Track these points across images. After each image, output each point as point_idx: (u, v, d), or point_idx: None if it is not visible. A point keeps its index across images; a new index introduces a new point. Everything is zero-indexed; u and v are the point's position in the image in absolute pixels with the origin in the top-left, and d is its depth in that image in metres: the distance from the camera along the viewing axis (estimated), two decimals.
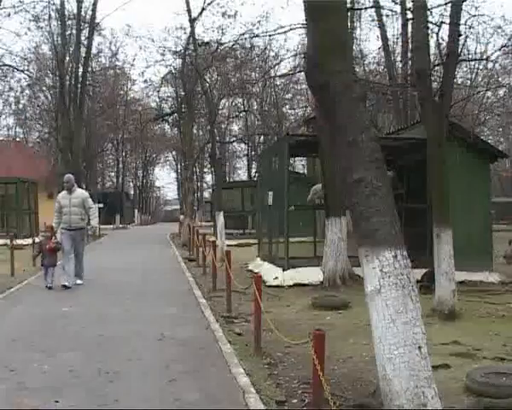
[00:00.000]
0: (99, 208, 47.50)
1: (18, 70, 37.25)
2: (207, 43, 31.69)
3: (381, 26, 28.87)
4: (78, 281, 14.60)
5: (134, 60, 78.59)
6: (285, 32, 24.52)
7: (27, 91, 47.12)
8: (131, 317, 10.60)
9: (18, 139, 59.78)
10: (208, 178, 67.03)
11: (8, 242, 14.54)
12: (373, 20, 29.14)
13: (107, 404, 5.87)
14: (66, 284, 13.79)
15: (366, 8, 25.32)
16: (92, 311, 11.18)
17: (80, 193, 15.14)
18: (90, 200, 15.13)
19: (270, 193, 16.87)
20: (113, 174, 77.02)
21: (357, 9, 22.60)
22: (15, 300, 12.67)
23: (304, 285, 14.02)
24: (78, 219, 14.65)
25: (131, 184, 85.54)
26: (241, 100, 45.54)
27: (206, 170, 64.86)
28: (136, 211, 77.46)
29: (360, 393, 6.22)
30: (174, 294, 13.45)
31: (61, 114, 39.08)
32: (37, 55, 43.52)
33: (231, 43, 30.66)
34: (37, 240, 15.56)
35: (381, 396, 5.00)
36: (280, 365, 7.43)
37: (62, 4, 37.26)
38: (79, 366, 7.23)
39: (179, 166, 57.79)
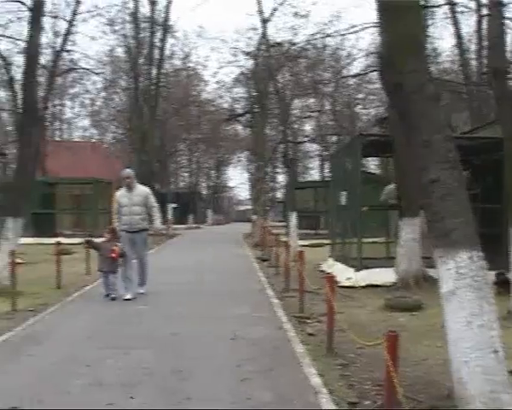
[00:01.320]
0: (172, 208, 48.36)
1: (93, 73, 38.02)
2: (279, 43, 31.78)
3: (455, 24, 28.43)
4: (141, 290, 13.03)
5: (206, 61, 79.28)
6: (357, 31, 24.51)
7: (102, 93, 48.05)
8: (204, 315, 10.70)
9: (93, 140, 60.94)
10: (281, 178, 66.95)
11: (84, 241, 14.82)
12: (447, 18, 28.70)
13: (179, 402, 5.94)
14: (129, 296, 12.32)
15: (440, 6, 24.97)
16: (165, 309, 11.34)
17: (142, 190, 13.31)
18: (152, 197, 13.33)
19: (343, 193, 16.78)
20: (186, 174, 77.84)
21: (431, 7, 22.33)
22: (90, 298, 12.92)
23: (376, 286, 13.87)
24: (140, 220, 12.96)
25: (204, 184, 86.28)
26: (313, 100, 45.36)
27: (278, 170, 64.87)
28: (208, 211, 78.07)
29: (433, 396, 6.11)
30: (247, 293, 13.51)
31: (135, 115, 39.76)
32: (111, 58, 44.31)
33: (303, 43, 30.67)
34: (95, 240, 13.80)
35: (455, 400, 4.93)
36: (352, 366, 7.38)
37: (136, 8, 38.07)
38: (153, 363, 7.34)
39: (252, 167, 57.86)
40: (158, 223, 13.56)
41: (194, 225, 60.73)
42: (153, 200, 13.25)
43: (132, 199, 12.91)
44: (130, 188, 13.02)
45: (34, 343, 8.59)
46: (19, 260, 13.55)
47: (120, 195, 13.14)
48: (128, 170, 13.65)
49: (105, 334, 9.23)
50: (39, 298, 12.88)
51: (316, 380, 6.65)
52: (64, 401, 6.02)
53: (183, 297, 12.97)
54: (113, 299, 12.23)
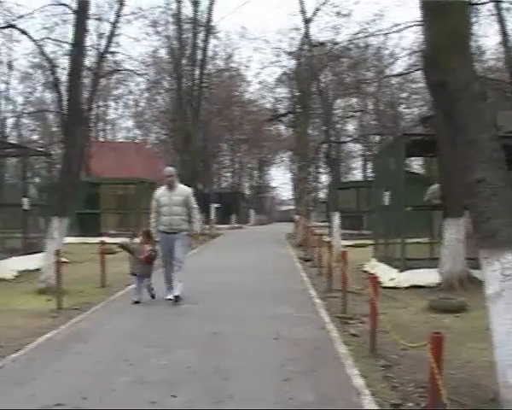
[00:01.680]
0: (215, 208, 48.55)
1: (137, 74, 38.27)
2: (322, 43, 31.70)
3: (501, 21, 28.00)
4: (176, 292, 12.06)
5: (249, 61, 79.42)
6: (400, 30, 24.32)
7: (146, 94, 48.41)
8: (247, 315, 10.72)
9: (137, 141, 61.45)
10: (323, 178, 66.86)
11: (127, 240, 15.01)
12: (491, 15, 28.28)
13: (222, 400, 5.96)
14: (170, 297, 12.08)
15: (484, 3, 24.64)
16: (208, 309, 11.39)
17: (183, 190, 12.59)
18: (193, 198, 12.63)
19: (387, 193, 16.66)
20: (229, 174, 78.15)
21: (476, 4, 22.05)
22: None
23: (420, 287, 13.74)
24: (180, 221, 12.27)
25: (247, 184, 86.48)
26: (356, 100, 45.17)
27: (321, 170, 64.75)
28: (251, 211, 78.22)
29: (478, 399, 6.04)
30: (289, 293, 13.49)
31: (178, 115, 39.96)
32: (155, 59, 44.61)
33: (346, 43, 30.54)
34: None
35: (500, 403, 4.86)
36: (395, 367, 7.32)
37: (179, 9, 38.26)
38: (196, 362, 7.38)
39: (294, 167, 57.80)
40: (197, 226, 12.76)
41: (236, 226, 60.96)
42: (194, 201, 12.56)
43: (173, 199, 12.28)
44: (171, 187, 12.39)
45: (79, 341, 8.70)
46: (64, 260, 13.74)
47: (160, 194, 12.53)
48: (170, 168, 12.92)
49: (148, 333, 9.31)
50: (84, 297, 13.05)
51: (358, 381, 6.62)
52: (108, 398, 6.09)
53: (225, 297, 13.01)
54: (137, 302, 11.88)
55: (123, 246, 12.84)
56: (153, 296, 12.38)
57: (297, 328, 9.51)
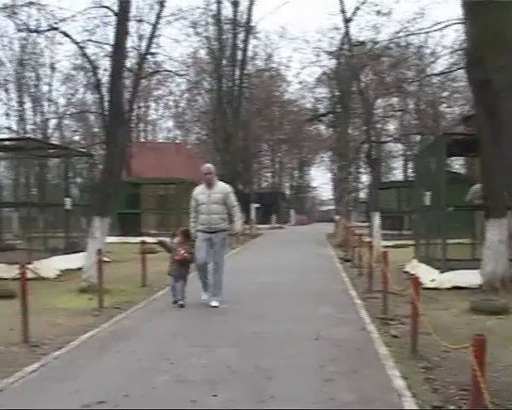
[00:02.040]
0: (256, 208, 48.62)
1: (177, 75, 38.56)
2: (362, 42, 31.54)
3: None
4: (213, 302, 11.66)
5: (289, 61, 79.40)
6: (441, 28, 24.12)
7: (186, 95, 48.71)
8: (287, 315, 10.72)
9: (177, 141, 61.84)
10: (364, 178, 66.55)
11: (167, 239, 15.02)
12: None
13: (263, 400, 5.97)
14: (214, 303, 11.61)
15: None
16: (249, 309, 11.41)
17: (222, 187, 12.09)
18: (233, 196, 12.10)
19: (428, 193, 16.52)
20: (269, 174, 78.25)
21: None
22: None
23: (461, 288, 13.60)
24: (219, 220, 11.81)
25: (287, 184, 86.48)
26: (396, 99, 44.87)
27: (361, 170, 64.47)
28: (291, 211, 78.20)
29: None
30: (329, 294, 13.45)
31: (218, 115, 40.17)
32: (195, 60, 44.89)
33: (386, 42, 30.35)
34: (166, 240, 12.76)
35: None
36: (437, 369, 7.24)
37: (219, 10, 38.51)
38: (236, 362, 7.40)
39: (334, 167, 57.64)
40: (238, 224, 12.30)
41: (276, 225, 61.01)
42: (234, 198, 12.03)
43: (211, 197, 11.80)
44: (209, 185, 11.91)
45: (120, 340, 8.78)
46: (105, 259, 13.89)
47: (199, 192, 12.06)
48: (208, 165, 12.37)
49: (189, 332, 9.36)
50: (125, 296, 13.18)
51: (399, 382, 6.57)
52: (149, 396, 6.14)
53: (266, 297, 13.02)
54: (181, 306, 11.53)
55: (161, 243, 12.73)
56: (178, 302, 11.72)
57: (337, 328, 9.48)
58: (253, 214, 45.64)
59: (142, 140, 59.50)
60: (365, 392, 6.25)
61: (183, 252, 11.76)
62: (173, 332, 9.29)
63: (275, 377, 6.76)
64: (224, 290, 12.12)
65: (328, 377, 6.69)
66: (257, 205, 50.84)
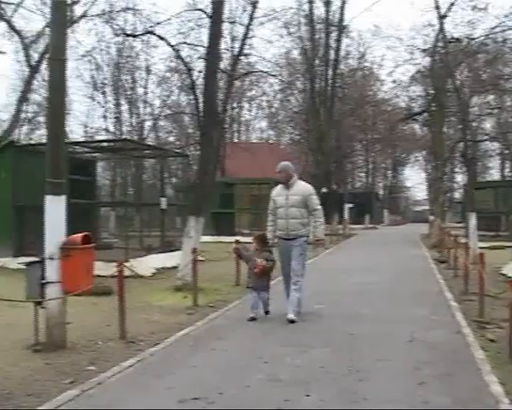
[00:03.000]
0: (349, 208, 48.33)
1: (270, 75, 38.63)
2: (457, 39, 30.89)
3: None
4: (290, 315, 10.06)
5: (382, 60, 78.49)
6: None
7: (279, 95, 48.86)
8: (381, 316, 10.63)
9: (271, 141, 62.11)
10: (459, 178, 65.23)
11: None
12: None
13: (356, 402, 5.93)
14: (292, 317, 10.01)
15: None
16: (342, 309, 11.37)
17: (302, 188, 10.67)
18: (315, 197, 10.65)
19: None
20: (362, 174, 77.67)
21: None
22: None
23: None
24: (298, 225, 10.39)
25: (381, 184, 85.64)
26: (493, 96, 43.73)
27: (456, 170, 63.19)
28: (385, 211, 77.43)
29: None
30: (424, 295, 13.25)
31: (311, 116, 40.12)
32: (288, 61, 44.96)
33: (482, 38, 29.66)
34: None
35: None
36: None
37: (311, 10, 38.46)
38: (330, 362, 7.39)
39: (429, 166, 56.69)
40: (320, 230, 10.56)
41: (370, 226, 60.62)
42: (315, 201, 10.59)
43: (289, 199, 10.47)
44: (287, 185, 10.64)
45: (214, 338, 8.91)
46: (200, 258, 14.08)
47: (276, 193, 10.83)
48: (284, 162, 11.20)
49: (282, 331, 9.38)
50: (219, 294, 13.37)
51: (496, 388, 6.39)
52: (242, 394, 6.21)
53: (359, 297, 12.95)
54: (253, 320, 10.16)
55: (237, 250, 11.42)
56: (267, 312, 10.53)
57: (432, 331, 9.33)
58: (346, 214, 45.39)
59: (236, 141, 60.10)
60: (460, 397, 6.12)
61: (260, 261, 10.36)
62: (266, 331, 9.34)
63: (368, 378, 6.72)
64: (318, 291, 12.13)
65: (423, 380, 6.58)
66: (350, 205, 50.52)
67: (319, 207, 10.55)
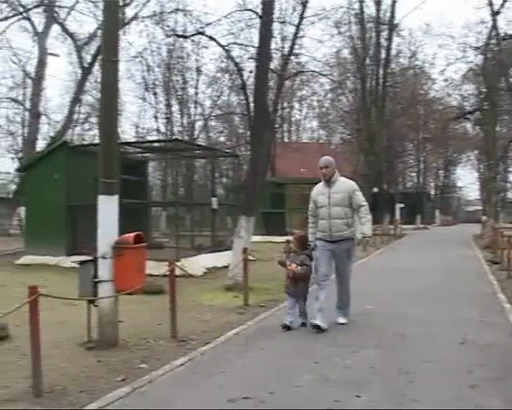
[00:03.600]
0: (400, 208, 48.01)
1: (321, 75, 38.53)
2: (511, 36, 30.47)
3: None
4: (341, 319, 9.89)
5: (434, 58, 77.66)
6: None
7: (330, 95, 48.71)
8: (432, 318, 10.52)
9: (321, 141, 61.95)
10: None
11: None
12: None
13: (406, 403, 5.91)
14: (318, 323, 9.20)
15: None
16: (393, 310, 11.31)
17: (345, 185, 9.77)
18: (360, 194, 9.75)
19: None
20: (413, 174, 76.94)
21: None
22: None
23: None
24: (342, 225, 9.50)
25: (432, 184, 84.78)
26: None
27: (510, 169, 62.24)
28: (436, 211, 76.67)
29: None
30: (476, 296, 13.08)
31: (362, 115, 39.95)
32: (338, 60, 44.80)
33: None
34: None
35: None
36: None
37: (361, 8, 38.35)
38: (380, 363, 7.37)
39: (481, 166, 55.95)
40: (367, 228, 9.67)
41: (421, 226, 60.16)
42: (360, 197, 9.70)
43: (332, 197, 9.59)
44: (329, 182, 9.73)
45: (265, 337, 8.95)
46: (250, 258, 14.14)
47: (317, 192, 9.93)
48: (326, 157, 10.05)
49: (333, 332, 9.35)
50: (269, 294, 13.41)
51: None
52: (293, 394, 6.23)
53: (409, 298, 12.85)
54: (286, 328, 9.47)
55: (281, 263, 10.18)
56: (303, 324, 9.71)
57: (484, 333, 9.21)
58: (397, 214, 45.07)
59: (286, 140, 60.12)
60: None
61: (291, 265, 9.68)
62: (317, 331, 9.32)
63: (418, 380, 6.67)
64: (369, 291, 12.06)
65: (474, 383, 6.50)
66: (401, 205, 50.19)
67: (365, 203, 9.69)
